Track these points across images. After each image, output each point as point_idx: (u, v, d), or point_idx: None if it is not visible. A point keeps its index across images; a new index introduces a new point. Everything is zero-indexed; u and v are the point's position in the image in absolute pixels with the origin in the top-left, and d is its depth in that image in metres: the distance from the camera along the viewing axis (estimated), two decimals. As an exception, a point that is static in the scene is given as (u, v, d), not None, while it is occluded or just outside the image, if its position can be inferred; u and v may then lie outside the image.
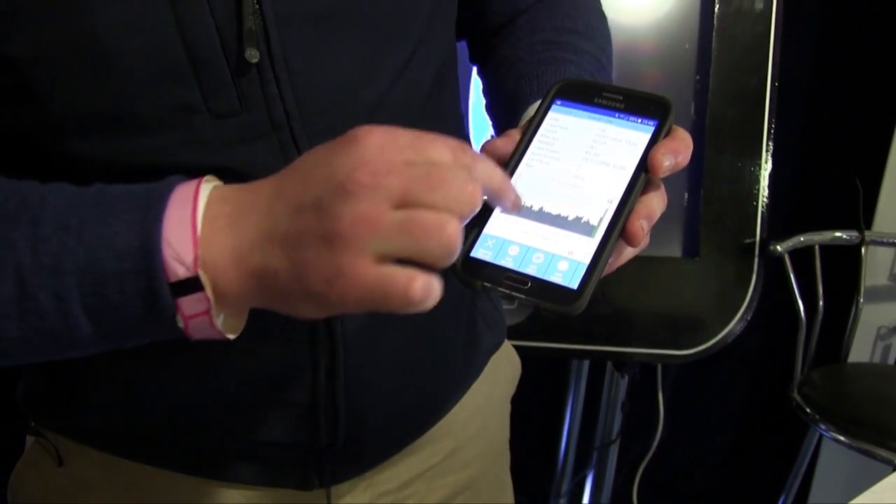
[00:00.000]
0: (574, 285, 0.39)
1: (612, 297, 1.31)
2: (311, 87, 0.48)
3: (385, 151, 0.36)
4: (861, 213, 1.54)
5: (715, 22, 1.29)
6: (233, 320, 0.41)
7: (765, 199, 1.32)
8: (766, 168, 1.31)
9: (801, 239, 1.47)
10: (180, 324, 0.39)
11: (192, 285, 0.38)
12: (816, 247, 1.50)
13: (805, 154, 1.69)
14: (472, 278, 0.41)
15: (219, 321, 0.39)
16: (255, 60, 0.45)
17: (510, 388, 0.75)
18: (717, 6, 1.29)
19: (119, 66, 0.43)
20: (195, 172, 0.47)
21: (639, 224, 0.41)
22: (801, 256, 1.48)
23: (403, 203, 0.35)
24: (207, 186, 0.40)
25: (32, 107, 0.44)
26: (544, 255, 0.40)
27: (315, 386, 0.54)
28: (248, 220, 0.38)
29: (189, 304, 0.38)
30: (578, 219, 0.41)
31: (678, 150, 0.42)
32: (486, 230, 0.42)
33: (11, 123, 0.46)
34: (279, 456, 0.58)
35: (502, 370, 0.72)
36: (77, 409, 0.56)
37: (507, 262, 0.41)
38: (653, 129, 0.43)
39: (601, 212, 0.41)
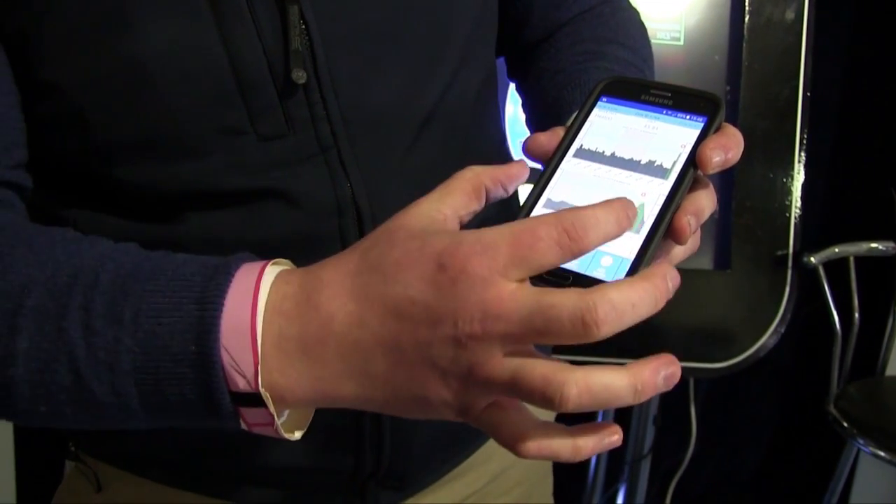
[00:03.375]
0: None
1: (643, 310, 1.29)
2: (357, 107, 0.48)
3: (490, 285, 0.32)
4: (897, 223, 1.51)
5: (745, 33, 1.28)
6: (300, 415, 0.40)
7: (797, 211, 1.30)
8: (799, 179, 1.30)
9: (836, 250, 1.45)
10: (244, 426, 0.38)
11: (253, 399, 0.36)
12: (851, 258, 1.47)
13: (838, 165, 1.66)
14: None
15: (280, 424, 0.37)
16: (301, 81, 0.45)
17: None
18: (747, 17, 1.28)
19: (165, 91, 0.43)
20: (243, 195, 0.46)
21: (685, 220, 0.39)
22: (835, 268, 1.46)
23: (518, 341, 0.33)
24: (266, 285, 0.36)
25: (78, 133, 0.45)
26: None
27: (360, 411, 0.53)
28: (326, 349, 0.35)
29: (251, 415, 0.37)
30: None
31: (728, 147, 0.40)
32: None
33: (57, 149, 0.46)
34: (322, 482, 0.57)
35: None
36: (116, 436, 0.56)
37: None
38: (702, 125, 0.42)
39: (647, 208, 0.40)
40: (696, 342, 1.31)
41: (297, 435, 0.39)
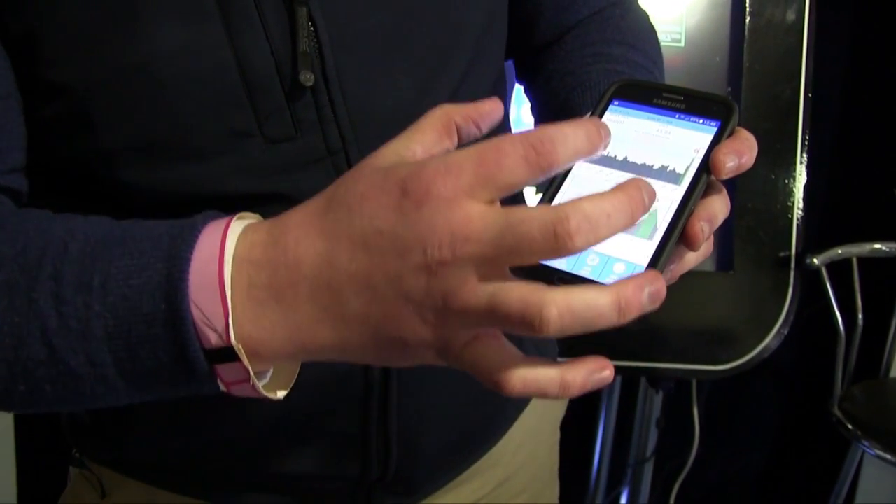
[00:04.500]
0: None
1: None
2: (366, 110, 0.47)
3: (456, 206, 0.31)
4: (900, 224, 1.51)
5: (746, 34, 1.28)
6: (285, 372, 0.39)
7: (800, 212, 1.30)
8: (801, 180, 1.29)
9: (839, 251, 1.45)
10: (222, 387, 0.37)
11: (227, 354, 0.35)
12: (854, 259, 1.47)
13: (840, 165, 1.66)
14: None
15: (261, 385, 0.37)
16: (309, 84, 0.45)
17: (560, 412, 0.74)
18: (748, 18, 1.28)
19: (173, 93, 0.43)
20: (249, 199, 0.46)
21: (699, 226, 0.38)
22: (838, 269, 1.46)
23: (491, 263, 0.31)
24: (233, 237, 0.36)
25: (85, 135, 0.44)
26: (599, 257, 0.38)
27: (366, 417, 0.53)
28: (298, 293, 0.34)
29: (227, 372, 0.36)
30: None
31: (742, 152, 0.39)
32: None
33: (62, 152, 0.46)
34: (328, 488, 0.57)
35: None
36: (121, 442, 0.56)
37: (559, 264, 0.38)
38: (715, 129, 0.41)
39: (660, 213, 0.39)
40: (698, 344, 1.31)
41: (280, 395, 0.38)
